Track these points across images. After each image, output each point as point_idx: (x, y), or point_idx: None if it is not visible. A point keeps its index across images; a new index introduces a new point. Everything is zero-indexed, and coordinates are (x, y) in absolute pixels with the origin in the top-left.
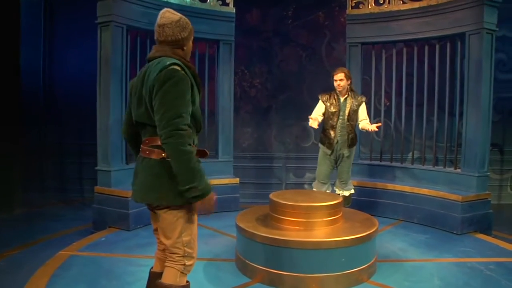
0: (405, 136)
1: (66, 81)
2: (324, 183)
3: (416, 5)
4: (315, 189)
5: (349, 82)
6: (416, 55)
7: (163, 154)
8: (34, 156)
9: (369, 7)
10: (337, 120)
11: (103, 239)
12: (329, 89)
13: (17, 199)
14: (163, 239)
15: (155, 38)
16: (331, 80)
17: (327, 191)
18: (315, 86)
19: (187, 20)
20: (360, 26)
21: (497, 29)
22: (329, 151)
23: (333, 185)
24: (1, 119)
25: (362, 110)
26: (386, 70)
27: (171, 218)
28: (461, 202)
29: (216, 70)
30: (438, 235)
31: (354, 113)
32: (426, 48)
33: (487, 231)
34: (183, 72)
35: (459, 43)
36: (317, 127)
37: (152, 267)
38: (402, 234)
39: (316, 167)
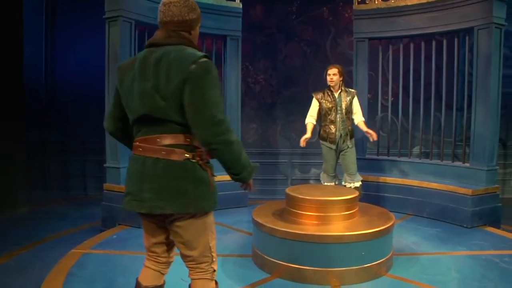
0: (412, 131)
1: (69, 78)
2: (333, 176)
3: (423, 0)
4: (324, 182)
5: (341, 78)
6: (423, 50)
7: (187, 155)
8: (37, 154)
9: (376, 2)
10: (336, 114)
11: (114, 236)
12: None
13: (21, 197)
14: (187, 252)
15: (158, 20)
16: (324, 75)
17: (336, 182)
18: (319, 81)
19: (195, 2)
20: (367, 21)
21: (506, 23)
22: (333, 146)
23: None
24: (4, 117)
25: (355, 103)
26: (393, 65)
27: (197, 227)
28: (471, 195)
29: (223, 66)
30: (449, 228)
31: (349, 106)
32: (433, 43)
33: (496, 224)
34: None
35: (466, 38)
36: (308, 138)
37: (140, 278)
38: (413, 228)
39: (321, 162)
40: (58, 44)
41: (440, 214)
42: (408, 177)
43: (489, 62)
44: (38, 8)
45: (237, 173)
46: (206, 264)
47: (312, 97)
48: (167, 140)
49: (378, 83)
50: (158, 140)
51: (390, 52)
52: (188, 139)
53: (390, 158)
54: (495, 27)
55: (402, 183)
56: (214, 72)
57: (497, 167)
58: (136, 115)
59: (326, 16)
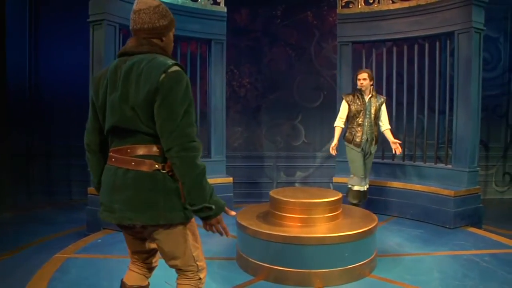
0: (395, 134)
1: (53, 81)
2: (364, 177)
3: (405, 4)
4: (355, 186)
5: (371, 82)
6: (406, 54)
7: (156, 166)
8: (20, 158)
9: (359, 6)
10: (364, 118)
11: (99, 240)
12: (319, 88)
13: (4, 202)
14: (171, 262)
15: (130, 28)
16: (354, 79)
17: (367, 187)
18: (304, 85)
19: (167, 8)
20: (351, 25)
21: (485, 28)
22: (358, 149)
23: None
24: None
25: (383, 111)
26: (376, 69)
27: (175, 238)
28: (453, 197)
29: (207, 69)
30: (432, 229)
31: (378, 112)
32: (416, 47)
33: (478, 224)
34: (186, 74)
35: (448, 42)
36: (337, 144)
37: (125, 279)
38: (397, 229)
39: (307, 165)
40: (42, 48)
41: (423, 216)
42: (392, 179)
43: (469, 66)
44: (21, 11)
45: (193, 202)
46: (191, 272)
47: (342, 99)
48: (137, 150)
49: None
50: (128, 150)
51: (374, 56)
52: (159, 150)
53: (374, 160)
54: (475, 32)
55: (386, 185)
56: (184, 82)
57: (479, 168)
58: (107, 126)
59: (310, 20)
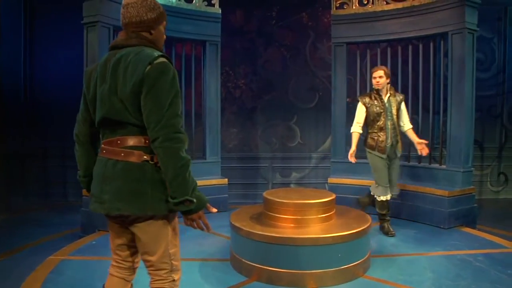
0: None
1: (48, 82)
2: (387, 187)
3: (399, 5)
4: (381, 196)
5: (388, 80)
6: (400, 55)
7: (145, 156)
8: (15, 160)
9: (354, 7)
10: (385, 121)
11: (93, 242)
12: (314, 88)
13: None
14: (146, 257)
15: (121, 22)
16: (370, 79)
17: (393, 194)
18: (299, 86)
19: (156, 1)
20: (345, 26)
21: (478, 29)
22: (384, 155)
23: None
24: None
25: (404, 109)
26: (371, 70)
27: (155, 230)
28: (448, 197)
29: (202, 71)
30: (426, 229)
31: (398, 112)
32: (410, 47)
33: (472, 224)
34: (172, 65)
35: (441, 43)
36: (355, 151)
37: (106, 285)
38: None
39: (303, 166)
40: (37, 49)
41: (418, 216)
42: None
43: (463, 66)
44: (16, 13)
45: (174, 195)
46: (165, 271)
47: (358, 101)
48: (127, 142)
49: (357, 87)
50: (118, 142)
51: (368, 57)
52: (147, 141)
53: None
54: (468, 32)
55: None
56: (170, 73)
57: (473, 168)
58: (97, 118)
59: (305, 21)
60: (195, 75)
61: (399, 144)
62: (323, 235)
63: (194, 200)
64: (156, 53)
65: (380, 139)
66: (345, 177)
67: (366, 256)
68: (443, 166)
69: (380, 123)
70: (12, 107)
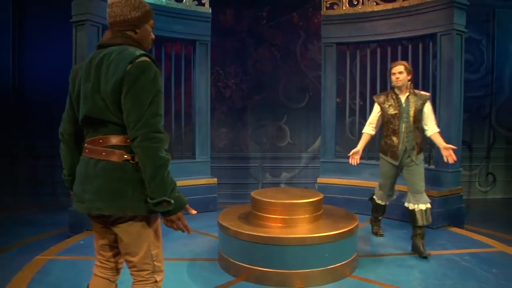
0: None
1: (37, 81)
2: (390, 195)
3: (389, 6)
4: (377, 199)
5: (409, 77)
6: (390, 55)
7: (126, 156)
8: (5, 159)
9: (344, 8)
10: (399, 123)
11: (81, 242)
12: (304, 89)
13: None
14: (127, 257)
15: (107, 22)
16: (388, 75)
17: (393, 197)
18: (290, 86)
19: (141, 0)
20: (335, 26)
21: (466, 30)
22: (396, 162)
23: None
24: None
25: (428, 110)
26: (361, 70)
27: (137, 231)
28: (436, 197)
29: (192, 70)
30: None
31: (419, 114)
32: (399, 48)
33: (460, 224)
34: (154, 65)
35: (430, 44)
36: (357, 152)
37: (90, 286)
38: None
39: (293, 166)
40: (26, 48)
41: (407, 216)
42: (376, 179)
43: (451, 67)
44: (5, 12)
45: (153, 195)
46: (147, 272)
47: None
48: (109, 141)
49: (347, 87)
50: (100, 141)
51: (358, 57)
52: (129, 140)
53: (360, 161)
54: (456, 33)
55: (370, 185)
56: (151, 72)
57: (461, 169)
58: (81, 116)
59: (296, 21)
60: (185, 75)
61: (415, 151)
62: (310, 235)
63: (172, 201)
64: (138, 52)
65: (393, 143)
66: (335, 177)
67: (354, 256)
68: (432, 167)
69: (394, 125)
70: (2, 107)
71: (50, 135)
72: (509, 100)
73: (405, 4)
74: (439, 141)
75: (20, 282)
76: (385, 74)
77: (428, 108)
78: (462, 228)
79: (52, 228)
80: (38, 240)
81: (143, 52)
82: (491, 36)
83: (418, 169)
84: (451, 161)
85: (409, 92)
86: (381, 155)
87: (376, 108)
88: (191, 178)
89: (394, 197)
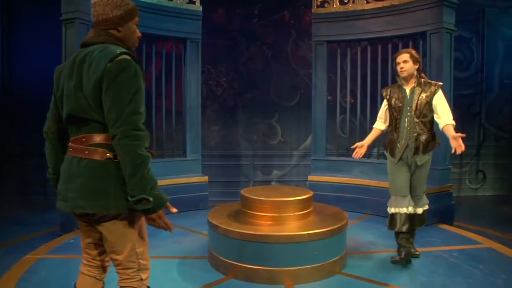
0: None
1: (26, 80)
2: (405, 196)
3: (379, 4)
4: (391, 208)
5: (416, 66)
6: (380, 53)
7: (108, 154)
8: None
9: (334, 6)
10: (401, 117)
11: (71, 241)
12: (295, 87)
13: None
14: (112, 256)
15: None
16: (393, 65)
17: (410, 207)
18: (281, 84)
19: None
20: (326, 24)
21: (456, 28)
22: (394, 160)
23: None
24: None
25: (439, 102)
26: (351, 68)
27: (121, 229)
28: (426, 194)
29: (183, 68)
30: None
31: (425, 107)
32: (390, 46)
33: (449, 221)
34: (135, 63)
35: (420, 42)
36: (360, 146)
37: (77, 284)
38: (370, 227)
39: (285, 164)
40: (15, 47)
41: None
42: (367, 177)
43: (441, 65)
44: None
45: (132, 193)
46: (132, 270)
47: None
48: (91, 139)
49: (337, 85)
50: (83, 139)
51: (349, 55)
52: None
53: (350, 159)
54: (446, 32)
55: (360, 183)
56: (131, 70)
57: (451, 166)
58: (64, 114)
59: (287, 19)
60: (176, 73)
61: (422, 149)
62: (299, 233)
63: (151, 199)
64: (119, 50)
65: (393, 138)
66: (326, 175)
67: (343, 254)
68: None
69: (397, 119)
70: None
71: (40, 134)
72: (499, 98)
73: (395, 2)
74: (450, 131)
75: (9, 282)
76: (376, 72)
77: (438, 99)
78: (451, 225)
79: (42, 227)
80: (29, 239)
81: (124, 50)
82: (480, 35)
83: (421, 172)
84: (459, 151)
85: (415, 83)
86: (385, 152)
87: (384, 101)
88: (182, 176)
89: (411, 202)
